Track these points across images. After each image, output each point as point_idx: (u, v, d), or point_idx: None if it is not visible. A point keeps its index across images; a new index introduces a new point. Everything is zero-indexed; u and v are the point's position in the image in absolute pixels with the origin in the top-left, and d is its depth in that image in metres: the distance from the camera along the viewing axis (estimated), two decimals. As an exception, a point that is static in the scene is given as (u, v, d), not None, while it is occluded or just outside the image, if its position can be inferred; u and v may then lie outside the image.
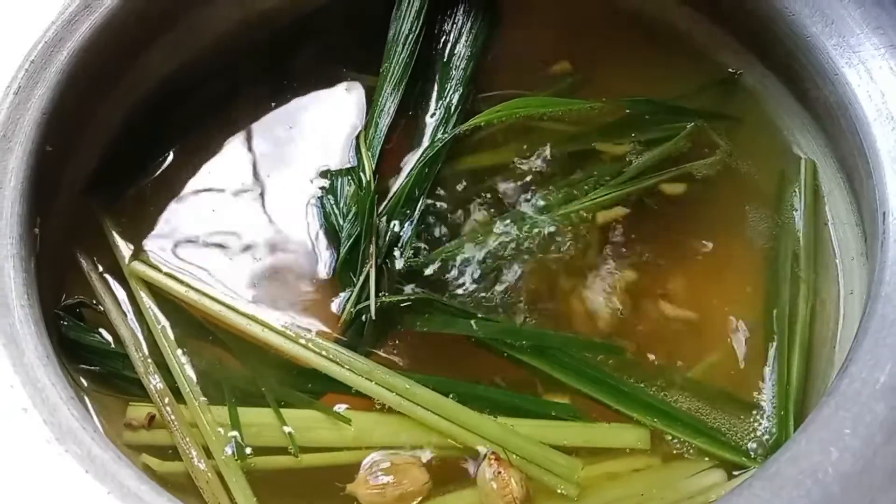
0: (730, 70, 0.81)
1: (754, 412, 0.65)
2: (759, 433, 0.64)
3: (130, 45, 0.75)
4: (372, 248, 0.70)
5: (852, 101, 0.68)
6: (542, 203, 0.73)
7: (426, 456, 0.63)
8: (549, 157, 0.76)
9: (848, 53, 0.69)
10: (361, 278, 0.69)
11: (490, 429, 0.63)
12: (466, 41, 0.82)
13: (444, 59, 0.82)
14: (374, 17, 0.83)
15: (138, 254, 0.72)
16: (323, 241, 0.73)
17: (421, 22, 0.82)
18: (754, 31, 0.77)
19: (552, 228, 0.72)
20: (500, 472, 0.60)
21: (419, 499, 0.61)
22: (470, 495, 0.61)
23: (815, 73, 0.72)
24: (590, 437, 0.64)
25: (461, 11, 0.84)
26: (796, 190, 0.75)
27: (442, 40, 0.83)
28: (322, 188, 0.76)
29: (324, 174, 0.77)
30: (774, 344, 0.68)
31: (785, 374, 0.66)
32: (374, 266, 0.69)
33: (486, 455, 0.61)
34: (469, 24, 0.83)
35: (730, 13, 0.79)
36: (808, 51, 0.72)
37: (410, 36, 0.81)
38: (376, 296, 0.68)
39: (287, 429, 0.63)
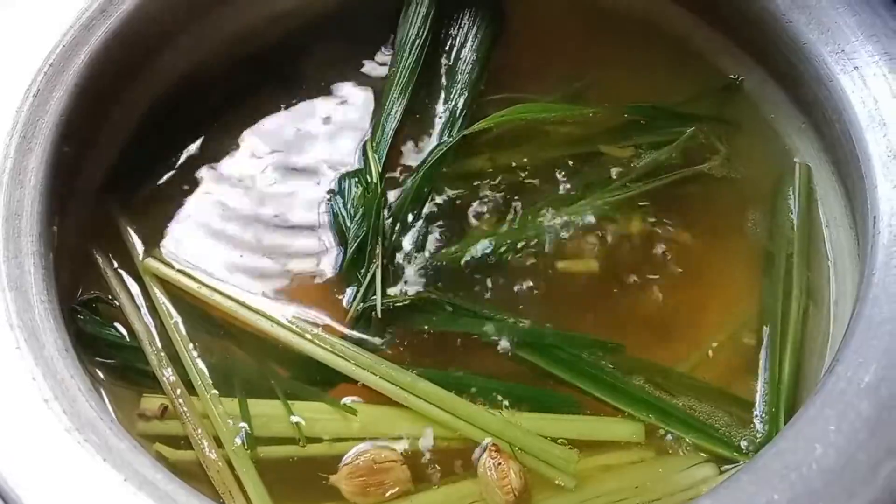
0: (731, 76, 0.83)
1: (746, 409, 0.67)
2: (750, 429, 0.66)
3: (144, 48, 0.76)
4: (378, 249, 0.72)
5: (846, 107, 0.68)
6: (545, 204, 0.75)
7: (418, 447, 0.64)
8: (553, 159, 0.78)
9: (843, 60, 0.70)
10: (368, 277, 0.71)
11: (490, 421, 0.65)
12: (472, 46, 0.84)
13: (451, 64, 0.84)
14: (383, 22, 0.85)
15: (152, 251, 0.74)
16: (331, 240, 0.75)
17: (428, 27, 0.83)
18: (753, 37, 0.79)
19: (555, 229, 0.74)
20: (500, 464, 0.61)
21: (400, 495, 0.63)
22: (470, 485, 0.63)
23: (811, 79, 0.73)
24: (586, 430, 0.65)
25: (467, 17, 0.85)
26: (792, 192, 0.76)
27: (448, 45, 0.85)
28: (330, 190, 0.78)
29: (332, 175, 0.79)
30: (767, 343, 0.69)
31: (776, 372, 0.68)
32: (380, 266, 0.71)
33: (486, 447, 0.63)
34: (475, 30, 0.85)
35: (729, 19, 0.80)
36: (805, 57, 0.72)
37: (417, 41, 0.83)
38: (382, 295, 0.70)
39: (294, 418, 0.65)
